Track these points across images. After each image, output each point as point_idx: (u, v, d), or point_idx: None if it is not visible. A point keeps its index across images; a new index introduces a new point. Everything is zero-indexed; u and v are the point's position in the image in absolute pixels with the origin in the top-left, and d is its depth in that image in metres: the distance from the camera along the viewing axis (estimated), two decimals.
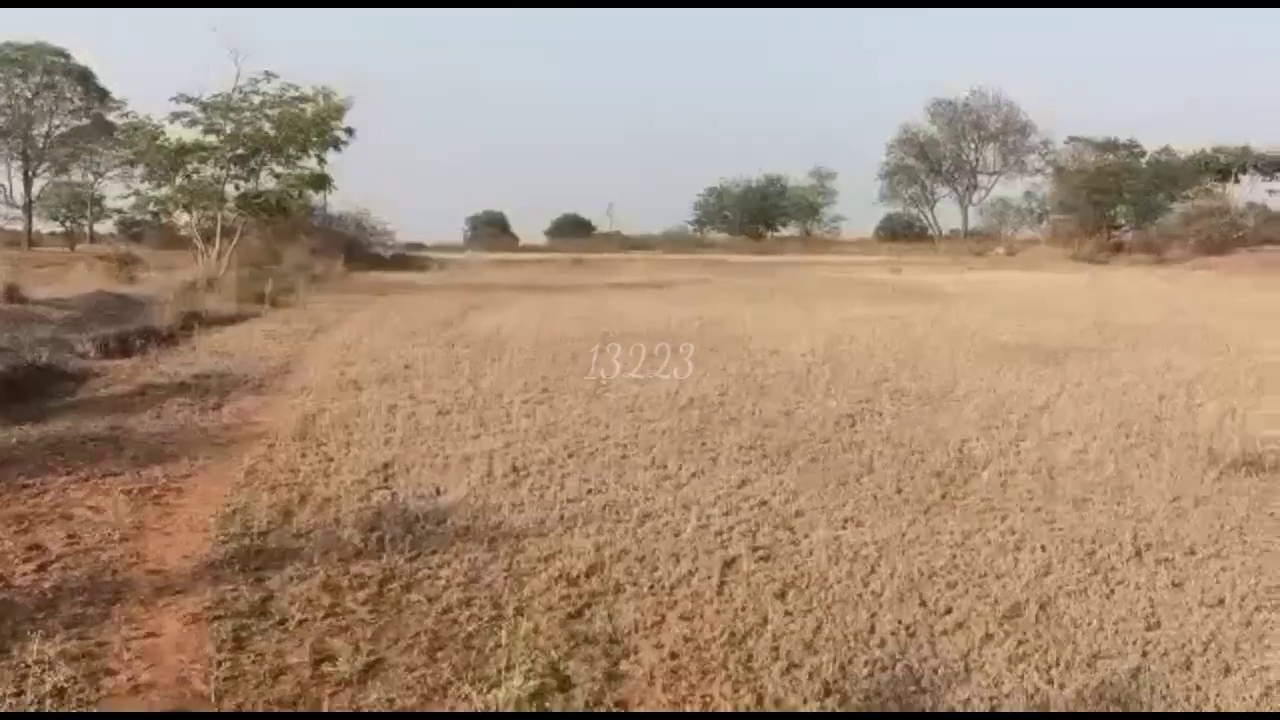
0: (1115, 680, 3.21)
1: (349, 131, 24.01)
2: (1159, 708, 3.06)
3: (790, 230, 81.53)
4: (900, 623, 3.64)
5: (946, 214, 76.92)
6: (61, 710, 2.99)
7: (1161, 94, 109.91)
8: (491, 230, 77.66)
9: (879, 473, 5.80)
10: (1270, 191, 57.13)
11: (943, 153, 74.12)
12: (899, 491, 5.41)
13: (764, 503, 5.17)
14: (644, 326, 13.05)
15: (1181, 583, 4.09)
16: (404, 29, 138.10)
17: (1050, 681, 3.20)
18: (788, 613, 3.74)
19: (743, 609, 3.77)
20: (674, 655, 3.38)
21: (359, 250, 38.33)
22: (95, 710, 3.01)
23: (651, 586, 3.99)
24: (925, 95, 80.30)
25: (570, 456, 6.07)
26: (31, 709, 2.97)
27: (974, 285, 26.13)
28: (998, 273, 35.56)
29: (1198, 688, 3.17)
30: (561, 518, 4.86)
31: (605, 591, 3.93)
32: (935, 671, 3.25)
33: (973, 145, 73.59)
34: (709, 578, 4.08)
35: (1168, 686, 3.17)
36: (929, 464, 6.02)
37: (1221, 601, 3.90)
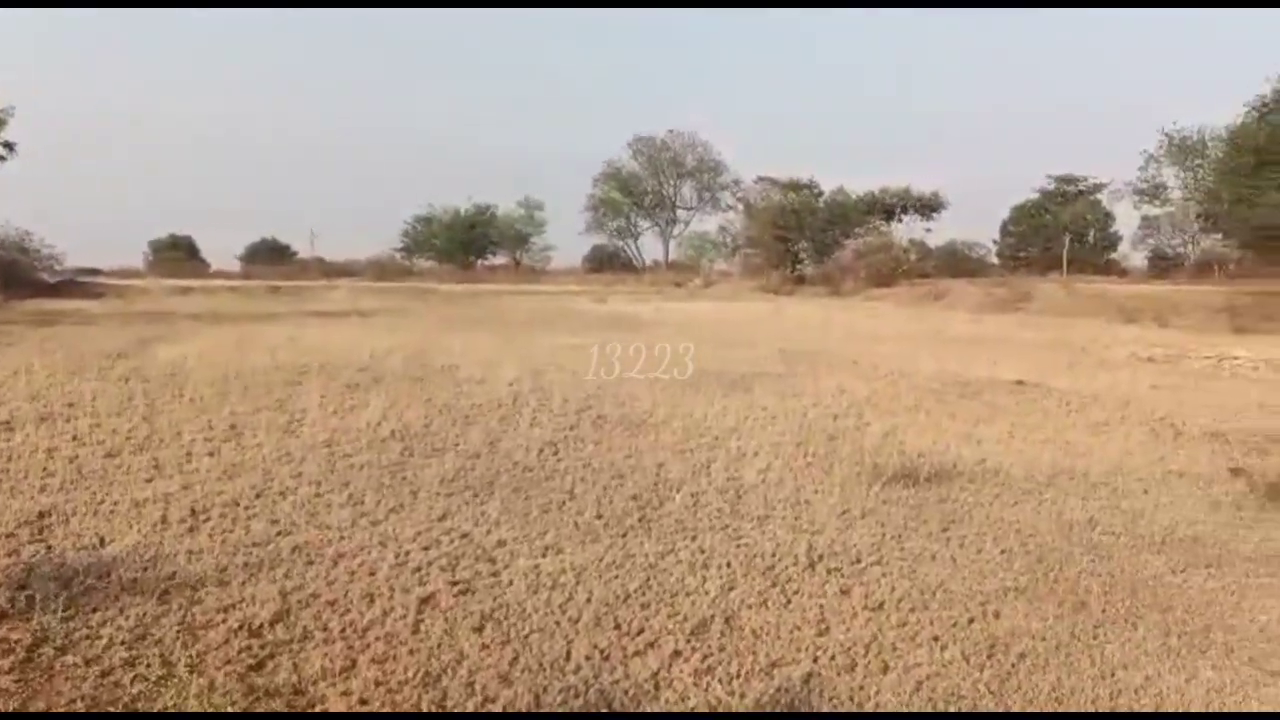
0: (789, 685, 3.44)
1: (7, 146, 21.46)
2: (825, 708, 3.30)
3: (500, 259, 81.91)
4: (595, 647, 3.71)
5: (649, 246, 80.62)
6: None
7: (835, 139, 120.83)
8: (177, 255, 71.80)
9: (580, 499, 5.90)
10: (927, 230, 64.36)
11: (644, 187, 77.62)
12: (599, 517, 5.53)
13: (465, 535, 5.10)
14: (344, 358, 12.55)
15: (849, 589, 4.47)
16: (68, 33, 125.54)
17: (733, 692, 3.37)
18: (484, 646, 3.70)
19: (439, 646, 3.69)
20: (363, 701, 3.25)
21: (19, 276, 34.19)
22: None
23: (343, 630, 3.81)
24: (629, 131, 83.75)
25: (258, 497, 5.70)
26: None
27: (673, 315, 27.39)
28: (695, 303, 37.49)
29: (860, 688, 3.46)
30: (245, 564, 4.55)
31: (291, 640, 3.71)
32: (626, 693, 3.34)
33: (671, 181, 77.67)
34: (404, 616, 3.96)
35: (835, 688, 3.44)
36: (628, 488, 6.20)
37: (882, 605, 4.30)
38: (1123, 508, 6.10)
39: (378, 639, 3.75)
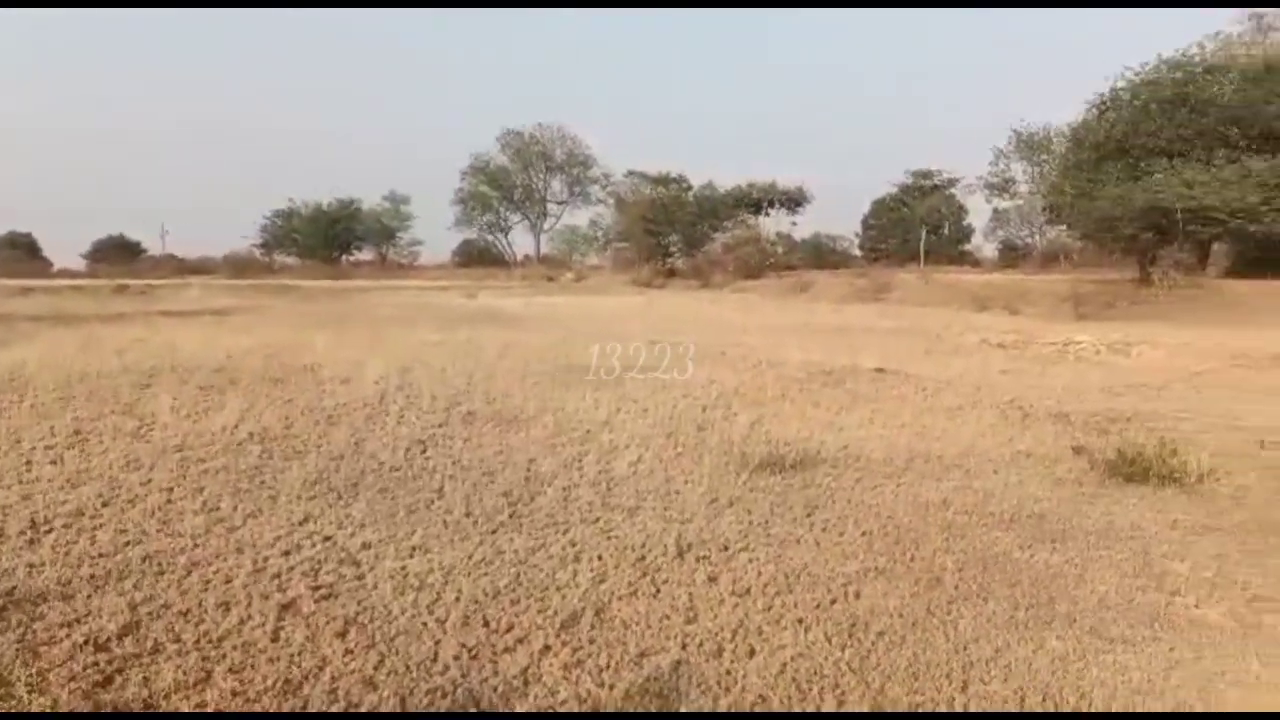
0: (659, 674, 3.47)
1: None
2: (694, 694, 3.34)
3: (366, 255, 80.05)
4: (464, 646, 3.66)
5: (520, 240, 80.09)
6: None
7: (706, 135, 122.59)
8: (16, 254, 67.44)
9: (449, 497, 5.81)
10: (793, 223, 66.00)
11: (514, 181, 77.04)
12: (468, 515, 5.45)
13: (328, 539, 4.96)
14: (197, 359, 12.03)
15: (716, 577, 4.54)
16: None
17: (602, 684, 3.38)
18: (348, 651, 3.61)
19: (300, 653, 3.58)
20: (219, 713, 3.13)
21: None
22: None
23: (197, 641, 3.65)
24: (497, 124, 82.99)
25: (104, 506, 5.40)
26: None
27: (545, 309, 27.29)
28: (567, 297, 37.46)
29: (728, 672, 3.51)
30: (91, 576, 4.31)
31: (141, 653, 3.53)
32: (495, 690, 3.31)
33: (541, 175, 77.31)
34: (263, 624, 3.82)
35: (703, 674, 3.49)
36: (498, 485, 6.14)
37: (749, 591, 4.38)
38: (974, 488, 6.38)
39: (234, 648, 3.61)
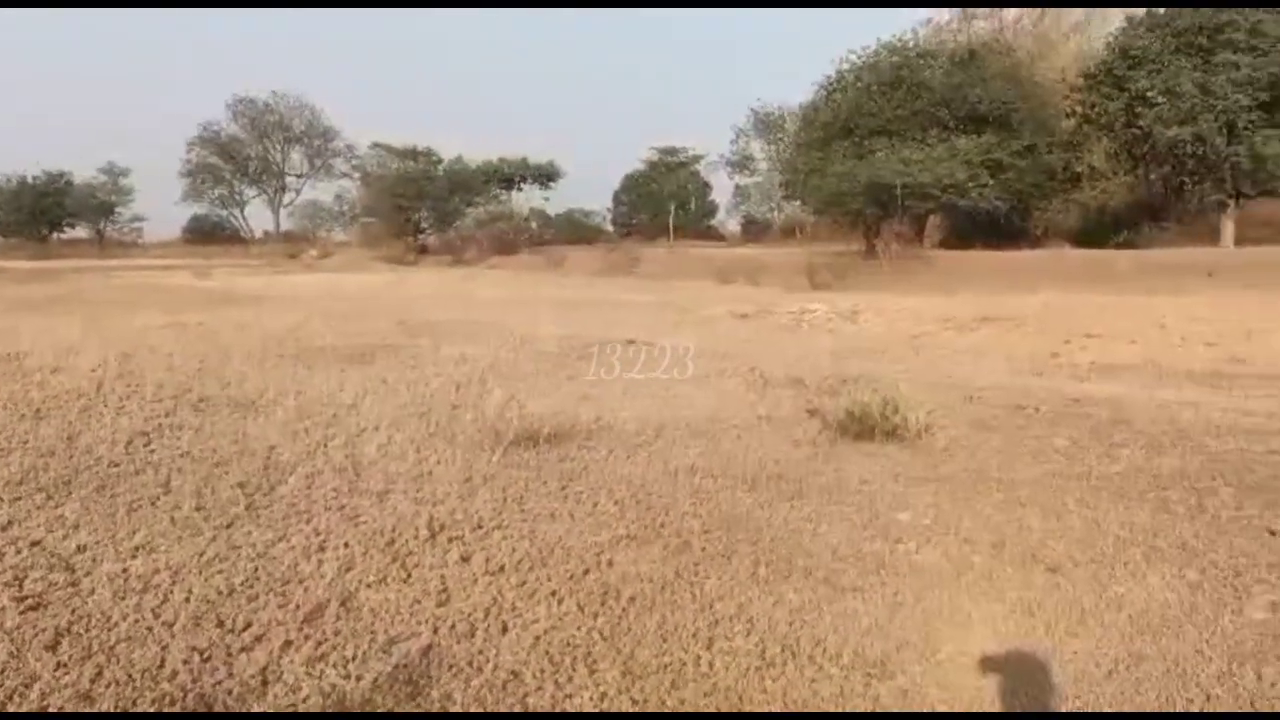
0: (409, 660, 3.37)
1: None
2: (445, 678, 3.28)
3: (81, 232, 72.94)
4: (194, 649, 3.41)
5: (259, 216, 75.39)
6: None
7: (455, 106, 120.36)
8: None
9: (177, 492, 5.39)
10: (545, 199, 66.10)
11: (248, 153, 72.34)
12: (199, 509, 5.08)
13: (36, 543, 4.48)
14: None
15: (470, 556, 4.47)
16: None
17: (348, 675, 3.25)
18: (60, 665, 3.28)
19: (2, 672, 3.21)
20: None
21: None
22: None
23: None
24: (224, 92, 77.40)
25: None
26: None
27: (287, 288, 25.95)
28: (311, 275, 35.82)
29: (480, 652, 3.47)
30: None
31: None
32: (230, 693, 3.11)
33: (278, 147, 73.01)
34: None
35: (454, 655, 3.42)
36: (233, 475, 5.76)
37: (503, 568, 4.34)
38: (720, 452, 6.64)
39: None
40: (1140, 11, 34.87)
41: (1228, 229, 32.65)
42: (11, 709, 3.00)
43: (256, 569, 4.24)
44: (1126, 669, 3.44)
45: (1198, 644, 3.63)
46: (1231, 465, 6.16)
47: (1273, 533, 4.85)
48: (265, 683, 3.19)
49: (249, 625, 3.64)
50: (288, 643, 3.49)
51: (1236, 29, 30.22)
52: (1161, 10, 33.42)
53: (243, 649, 3.45)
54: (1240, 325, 14.64)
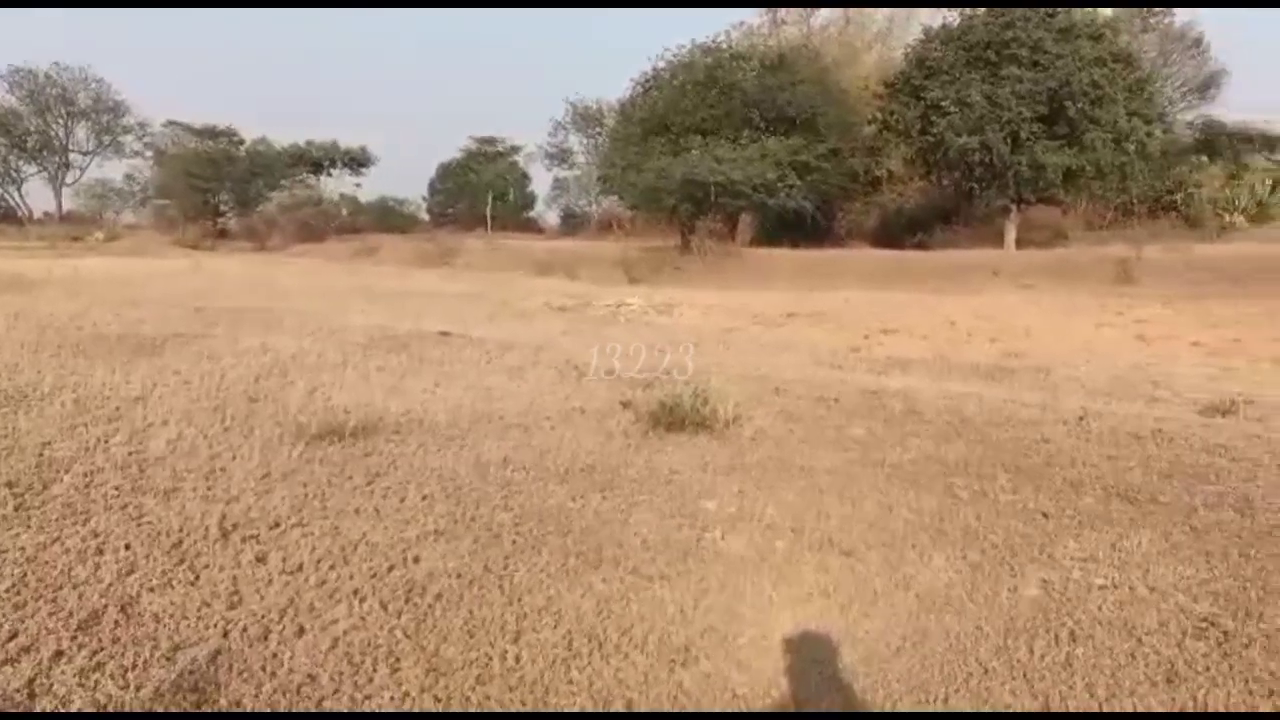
0: (195, 667, 3.18)
1: None
2: (235, 684, 3.10)
3: None
4: None
5: (38, 195, 69.42)
6: None
7: (258, 88, 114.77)
8: None
9: None
10: (357, 185, 64.08)
11: (26, 126, 66.45)
12: None
13: None
14: None
15: (265, 556, 4.26)
16: None
17: (127, 685, 3.04)
18: None
19: None
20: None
21: None
22: None
23: None
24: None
25: None
26: None
27: (69, 272, 24.03)
28: (97, 259, 33.31)
29: (274, 655, 3.31)
30: None
31: None
32: None
33: (61, 122, 67.42)
34: None
35: (245, 660, 3.25)
36: (1, 474, 5.28)
37: (301, 567, 4.16)
38: (533, 444, 6.60)
39: None
40: (936, 23, 37.14)
41: (1010, 232, 35.29)
42: None
43: (25, 575, 3.89)
44: (913, 646, 3.65)
45: (978, 620, 3.89)
46: (1009, 452, 6.63)
47: (1045, 515, 5.25)
48: (33, 695, 2.94)
49: (14, 635, 3.34)
50: (59, 653, 3.22)
51: (1021, 45, 32.64)
52: (956, 21, 35.68)
53: (7, 661, 3.16)
54: (1020, 322, 15.84)
